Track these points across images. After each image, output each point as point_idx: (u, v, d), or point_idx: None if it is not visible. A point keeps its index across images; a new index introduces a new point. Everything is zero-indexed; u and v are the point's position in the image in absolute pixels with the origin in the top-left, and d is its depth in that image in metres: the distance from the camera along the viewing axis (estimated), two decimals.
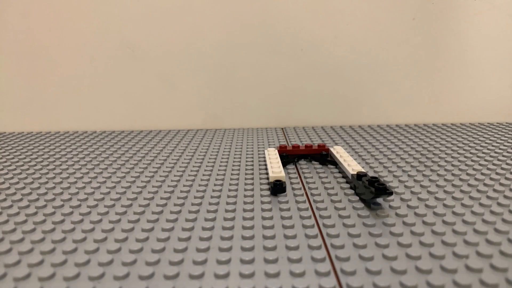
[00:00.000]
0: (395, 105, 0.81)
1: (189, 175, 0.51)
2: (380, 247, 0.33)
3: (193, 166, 0.55)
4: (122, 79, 0.79)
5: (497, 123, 0.80)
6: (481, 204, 0.41)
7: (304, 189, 0.46)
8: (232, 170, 0.53)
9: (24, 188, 0.48)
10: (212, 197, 0.44)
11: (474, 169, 0.51)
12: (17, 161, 0.59)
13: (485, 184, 0.46)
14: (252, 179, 0.50)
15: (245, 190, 0.46)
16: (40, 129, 0.81)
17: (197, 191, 0.46)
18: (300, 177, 0.50)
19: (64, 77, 0.79)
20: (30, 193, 0.46)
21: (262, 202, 0.42)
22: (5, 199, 0.44)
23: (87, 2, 0.75)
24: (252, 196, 0.44)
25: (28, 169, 0.55)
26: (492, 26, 0.77)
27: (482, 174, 0.50)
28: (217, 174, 0.52)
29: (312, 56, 0.78)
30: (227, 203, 0.42)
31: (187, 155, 0.61)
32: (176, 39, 0.77)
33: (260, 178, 0.50)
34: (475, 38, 0.77)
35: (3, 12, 0.76)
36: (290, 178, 0.50)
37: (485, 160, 0.55)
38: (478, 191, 0.44)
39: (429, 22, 0.76)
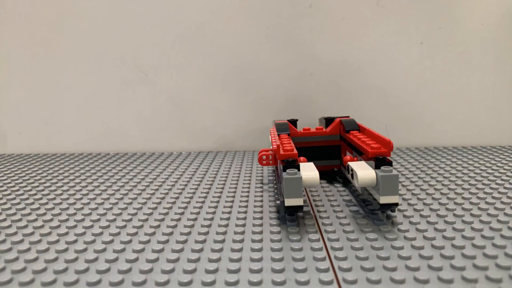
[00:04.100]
0: (404, 128, 0.81)
1: (199, 197, 0.52)
2: (388, 270, 0.33)
3: (203, 188, 0.56)
4: (136, 103, 0.81)
5: (509, 146, 0.79)
6: (491, 228, 0.40)
7: (313, 210, 0.47)
8: (242, 192, 0.54)
9: (39, 208, 0.49)
10: (221, 219, 0.44)
11: (484, 193, 0.51)
12: (33, 182, 0.61)
13: (495, 208, 0.46)
14: (261, 201, 0.50)
15: (254, 212, 0.46)
16: (55, 151, 0.83)
17: (207, 213, 0.46)
18: (308, 196, 0.51)
19: (79, 101, 0.81)
20: (45, 213, 0.47)
21: (271, 225, 0.43)
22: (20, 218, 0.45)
23: (103, 29, 0.79)
24: (261, 218, 0.44)
25: (43, 190, 0.57)
26: (501, 50, 0.77)
27: (493, 197, 0.49)
28: (227, 196, 0.52)
29: (321, 79, 0.79)
30: (236, 225, 0.43)
31: (197, 177, 0.62)
32: (188, 65, 0.79)
33: (269, 201, 0.50)
34: (484, 61, 0.78)
35: (17, 39, 0.79)
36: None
37: (496, 184, 0.55)
38: (489, 214, 0.44)
39: (436, 46, 0.77)
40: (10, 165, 0.72)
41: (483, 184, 0.55)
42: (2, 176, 0.65)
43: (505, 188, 0.53)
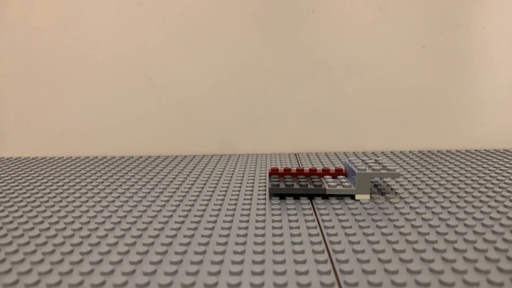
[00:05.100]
0: (407, 131, 0.81)
1: (203, 200, 0.53)
2: (389, 273, 0.33)
3: (207, 191, 0.57)
4: (141, 107, 0.82)
5: None
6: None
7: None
8: (245, 195, 0.54)
9: (45, 210, 0.50)
10: (224, 221, 0.45)
11: (487, 196, 0.51)
12: (39, 185, 0.61)
13: (498, 211, 0.46)
14: (264, 204, 0.51)
15: (257, 215, 0.47)
16: (62, 155, 0.84)
17: (210, 215, 0.47)
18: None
19: (85, 105, 0.82)
20: (51, 216, 0.48)
21: (274, 228, 0.43)
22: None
23: (109, 34, 0.80)
24: (264, 221, 0.45)
25: (49, 192, 0.57)
26: (504, 54, 0.77)
27: (496, 201, 0.49)
28: (230, 199, 0.53)
29: (324, 83, 0.79)
30: (239, 228, 0.43)
31: (201, 180, 0.62)
32: (192, 69, 0.80)
33: (272, 204, 0.51)
34: (486, 65, 0.78)
35: (22, 42, 0.81)
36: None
37: (499, 187, 0.55)
38: (491, 218, 0.44)
39: (439, 50, 0.77)
40: (16, 167, 0.73)
41: (486, 187, 0.55)
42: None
43: (508, 191, 0.53)
